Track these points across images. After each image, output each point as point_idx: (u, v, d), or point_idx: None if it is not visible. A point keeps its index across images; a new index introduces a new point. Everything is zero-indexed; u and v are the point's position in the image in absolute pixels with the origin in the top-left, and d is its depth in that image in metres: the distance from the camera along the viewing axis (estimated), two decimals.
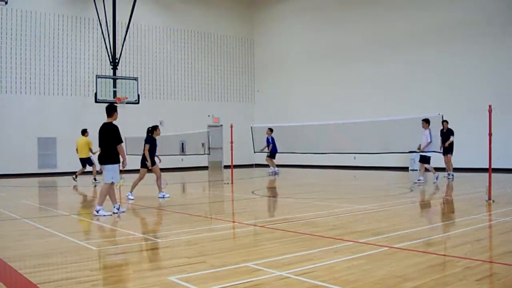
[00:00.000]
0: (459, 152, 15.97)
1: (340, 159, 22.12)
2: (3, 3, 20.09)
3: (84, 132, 17.09)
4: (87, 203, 12.18)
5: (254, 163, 26.88)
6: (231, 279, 4.58)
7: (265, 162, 21.21)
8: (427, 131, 13.93)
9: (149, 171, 11.77)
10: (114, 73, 21.98)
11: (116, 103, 19.50)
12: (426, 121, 13.99)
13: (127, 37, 22.96)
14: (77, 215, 9.88)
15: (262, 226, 7.71)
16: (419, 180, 14.62)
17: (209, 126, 25.90)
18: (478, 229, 7.16)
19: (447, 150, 15.49)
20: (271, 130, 19.60)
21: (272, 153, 19.84)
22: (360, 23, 23.22)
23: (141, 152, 11.84)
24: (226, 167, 25.88)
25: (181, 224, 8.23)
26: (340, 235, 6.75)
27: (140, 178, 11.81)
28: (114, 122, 9.21)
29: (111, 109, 9.24)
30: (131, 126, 20.31)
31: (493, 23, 18.67)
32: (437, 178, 14.38)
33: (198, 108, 26.56)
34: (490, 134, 9.83)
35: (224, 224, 8.25)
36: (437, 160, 15.44)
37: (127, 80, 22.12)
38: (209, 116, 27.05)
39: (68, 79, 22.98)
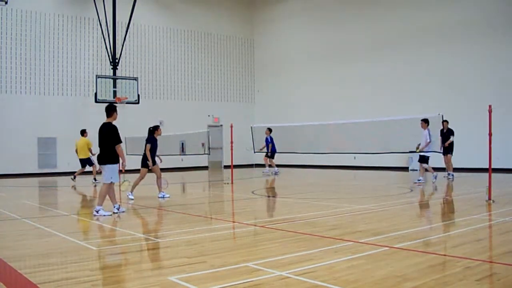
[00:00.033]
0: (459, 152, 15.97)
1: (340, 159, 22.13)
2: (3, 3, 20.08)
3: (83, 132, 17.06)
4: (87, 203, 12.18)
5: (254, 163, 26.87)
6: (231, 279, 4.58)
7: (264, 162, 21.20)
8: (426, 131, 13.96)
9: (150, 171, 11.78)
10: (114, 73, 22.00)
11: (116, 103, 19.51)
12: (425, 121, 14.01)
13: (127, 37, 22.98)
14: (77, 215, 9.88)
15: (262, 226, 7.71)
16: (419, 180, 14.63)
17: (209, 126, 25.89)
18: (478, 229, 7.16)
19: (447, 150, 15.51)
20: (270, 130, 19.60)
21: (272, 153, 19.84)
22: (360, 23, 23.22)
23: (141, 152, 11.86)
24: (226, 167, 25.89)
25: (181, 224, 8.23)
26: (340, 235, 6.75)
27: (141, 178, 11.82)
28: (114, 122, 9.21)
29: (111, 109, 9.25)
30: (131, 126, 20.35)
31: (493, 23, 18.68)
32: (435, 178, 14.44)
33: (198, 108, 26.56)
34: (490, 134, 9.83)
35: (224, 224, 8.25)
36: (437, 160, 15.46)
37: (127, 80, 22.14)
38: (209, 116, 27.06)
39: (68, 79, 22.99)
